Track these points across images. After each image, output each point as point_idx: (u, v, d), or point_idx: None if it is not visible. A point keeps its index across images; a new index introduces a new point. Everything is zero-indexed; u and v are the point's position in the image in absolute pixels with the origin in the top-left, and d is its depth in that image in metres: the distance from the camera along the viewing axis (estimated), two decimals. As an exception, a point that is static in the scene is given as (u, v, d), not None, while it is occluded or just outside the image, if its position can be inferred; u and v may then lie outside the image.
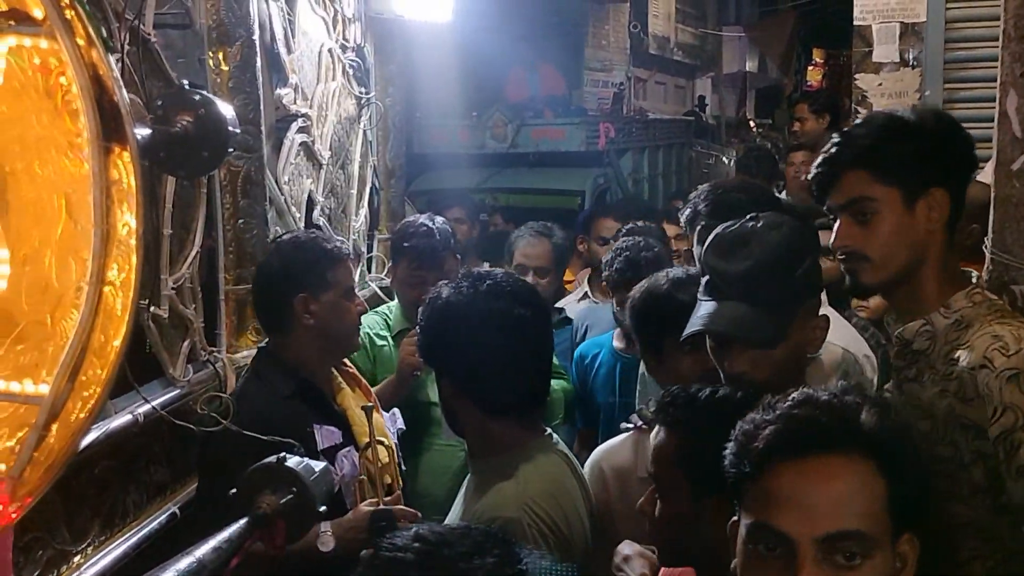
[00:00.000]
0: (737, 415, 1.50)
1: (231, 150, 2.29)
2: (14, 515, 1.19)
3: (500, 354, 2.07)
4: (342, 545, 2.47)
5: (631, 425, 2.59)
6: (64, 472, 2.23)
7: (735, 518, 1.47)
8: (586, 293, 4.64)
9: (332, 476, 2.23)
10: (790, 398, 1.45)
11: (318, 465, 2.17)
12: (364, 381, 3.01)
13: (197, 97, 2.25)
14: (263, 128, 3.16)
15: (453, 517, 2.16)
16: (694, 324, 2.11)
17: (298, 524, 2.08)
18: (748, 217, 2.19)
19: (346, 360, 2.98)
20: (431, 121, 7.26)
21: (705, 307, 2.11)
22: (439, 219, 3.67)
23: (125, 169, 1.00)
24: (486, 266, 5.28)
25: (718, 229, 2.20)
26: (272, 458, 2.13)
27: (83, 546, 2.38)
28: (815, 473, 1.36)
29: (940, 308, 1.97)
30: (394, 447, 2.88)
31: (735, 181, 5.54)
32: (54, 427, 1.16)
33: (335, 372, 2.91)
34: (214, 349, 3.01)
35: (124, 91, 1.06)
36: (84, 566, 2.36)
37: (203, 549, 1.80)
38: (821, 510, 1.34)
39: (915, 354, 2.00)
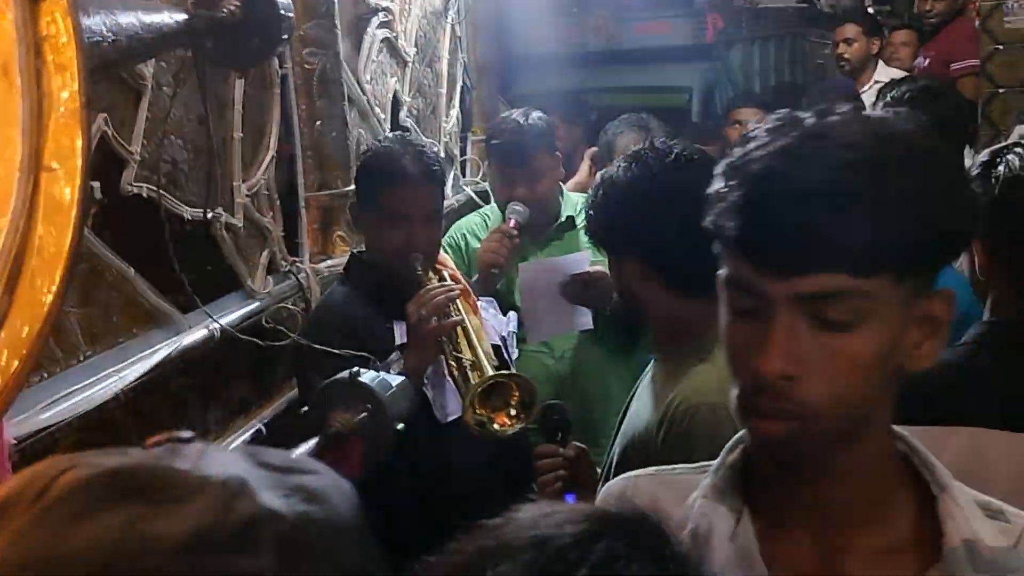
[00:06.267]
0: None
1: (285, 36, 2.09)
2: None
3: (695, 229, 1.87)
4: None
5: None
6: (134, 393, 2.15)
7: None
8: None
9: (411, 391, 2.07)
10: None
11: (395, 380, 2.01)
12: (466, 284, 2.81)
13: (238, -25, 2.04)
14: (338, 22, 2.95)
15: (637, 408, 1.99)
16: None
17: (375, 443, 1.93)
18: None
19: (447, 263, 2.79)
20: (527, 17, 6.93)
21: None
22: (535, 114, 3.35)
23: (61, 21, 0.78)
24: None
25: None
26: (344, 373, 1.97)
27: (162, 466, 2.29)
28: None
29: None
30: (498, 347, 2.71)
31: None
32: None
33: (432, 273, 2.69)
34: (296, 259, 2.87)
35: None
36: (164, 487, 2.27)
37: (268, 473, 1.67)
38: None
39: None
